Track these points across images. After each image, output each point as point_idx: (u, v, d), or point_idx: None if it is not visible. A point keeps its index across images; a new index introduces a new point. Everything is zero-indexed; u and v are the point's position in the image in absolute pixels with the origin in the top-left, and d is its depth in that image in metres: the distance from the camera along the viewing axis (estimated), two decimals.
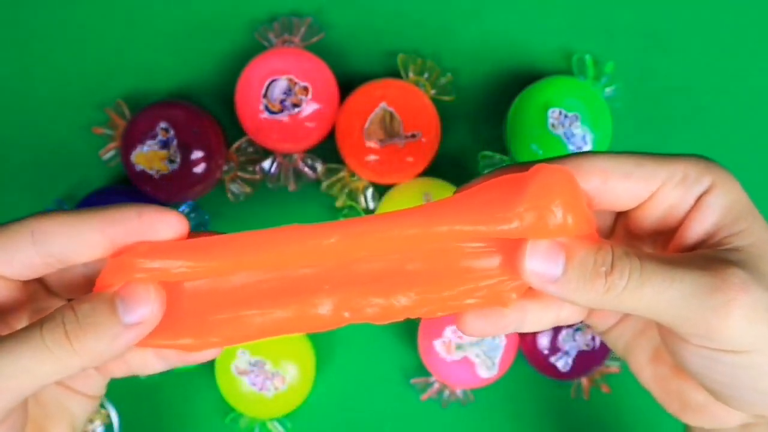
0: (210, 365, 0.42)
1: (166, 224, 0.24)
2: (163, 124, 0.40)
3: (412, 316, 0.24)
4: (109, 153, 0.43)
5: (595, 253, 0.23)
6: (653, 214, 0.25)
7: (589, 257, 0.23)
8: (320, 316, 0.24)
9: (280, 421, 0.42)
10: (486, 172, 0.27)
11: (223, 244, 0.24)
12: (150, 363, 0.27)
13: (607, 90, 0.42)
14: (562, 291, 0.24)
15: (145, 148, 0.40)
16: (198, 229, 0.43)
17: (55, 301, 0.27)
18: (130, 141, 0.40)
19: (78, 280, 0.26)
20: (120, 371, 0.27)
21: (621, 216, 0.27)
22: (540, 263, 0.23)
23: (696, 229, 0.25)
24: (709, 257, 0.24)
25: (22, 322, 0.26)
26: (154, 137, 0.40)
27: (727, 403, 0.25)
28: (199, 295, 0.24)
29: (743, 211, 0.25)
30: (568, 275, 0.23)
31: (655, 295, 0.23)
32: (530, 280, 0.24)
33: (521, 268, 0.24)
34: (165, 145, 0.40)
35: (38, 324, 0.22)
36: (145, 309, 0.23)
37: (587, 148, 0.40)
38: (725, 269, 0.23)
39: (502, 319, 0.25)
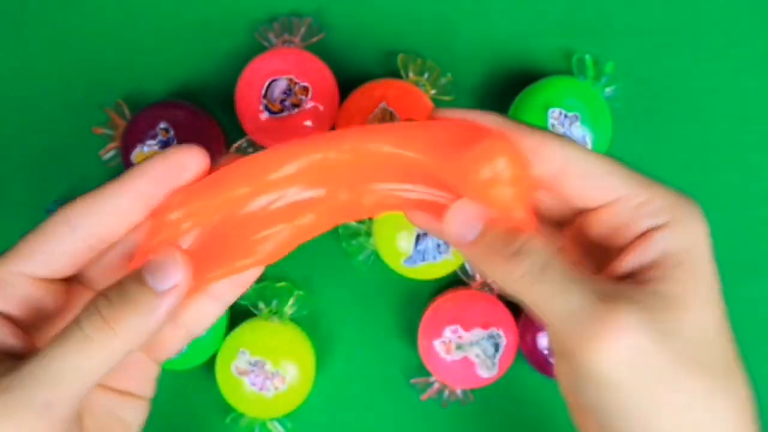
0: (210, 365, 0.42)
1: (191, 160, 0.24)
2: (163, 124, 0.40)
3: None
4: (109, 153, 0.43)
5: (509, 234, 0.24)
6: (603, 226, 0.25)
7: (502, 236, 0.24)
8: (342, 203, 0.26)
9: (280, 421, 0.42)
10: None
11: (241, 171, 0.25)
12: (205, 312, 0.26)
13: (607, 90, 0.42)
14: (470, 256, 0.25)
15: (145, 148, 0.40)
16: None
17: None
18: (130, 141, 0.40)
19: (117, 265, 0.26)
20: (177, 341, 0.27)
21: (581, 214, 0.27)
22: (459, 222, 0.24)
23: (630, 261, 0.24)
24: (619, 288, 0.23)
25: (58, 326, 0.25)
26: (154, 137, 0.40)
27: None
28: (233, 222, 0.25)
29: (688, 262, 0.24)
30: (478, 244, 0.24)
31: (544, 296, 0.23)
32: (447, 234, 0.25)
33: (444, 220, 0.25)
34: (165, 145, 0.40)
35: (75, 320, 0.22)
36: (174, 272, 0.23)
37: (587, 147, 0.40)
38: (619, 307, 0.22)
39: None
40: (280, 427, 0.42)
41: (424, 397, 0.43)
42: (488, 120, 0.25)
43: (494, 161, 0.24)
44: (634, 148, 0.43)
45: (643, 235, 0.24)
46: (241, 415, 0.42)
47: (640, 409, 0.23)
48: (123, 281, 0.23)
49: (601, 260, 0.26)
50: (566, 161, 0.24)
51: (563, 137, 0.25)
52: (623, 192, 0.24)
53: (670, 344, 0.22)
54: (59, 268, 0.24)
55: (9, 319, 0.23)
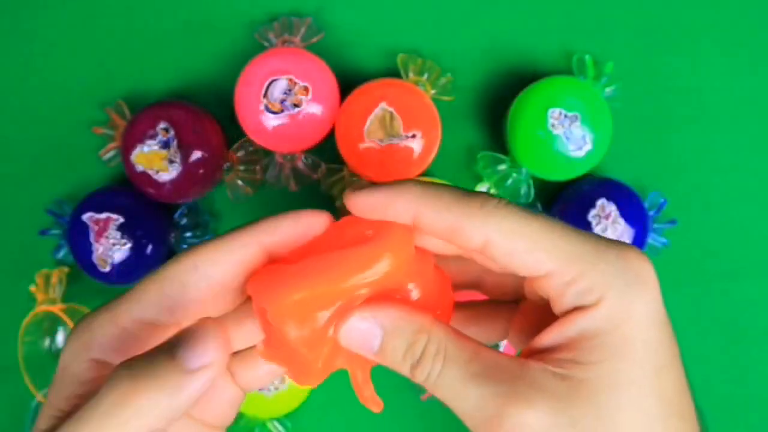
0: None
1: (318, 224, 0.24)
2: (163, 124, 0.40)
3: None
4: (109, 153, 0.43)
5: (407, 346, 0.24)
6: (541, 294, 0.24)
7: (401, 347, 0.24)
8: None
9: (280, 421, 0.42)
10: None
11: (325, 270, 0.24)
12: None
13: (607, 90, 0.42)
14: (380, 362, 0.25)
15: (146, 148, 0.40)
16: (197, 229, 0.43)
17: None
18: (130, 141, 0.40)
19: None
20: (260, 379, 0.28)
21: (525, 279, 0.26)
22: (355, 340, 0.25)
23: (549, 339, 0.23)
24: (525, 376, 0.22)
25: None
26: (154, 137, 0.40)
27: None
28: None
29: (611, 344, 0.22)
30: (383, 354, 0.24)
31: (447, 398, 0.23)
32: (347, 346, 0.25)
33: (339, 334, 0.25)
34: (165, 145, 0.40)
35: (98, 394, 0.21)
36: (208, 349, 0.21)
37: (587, 147, 0.40)
38: (515, 404, 0.22)
39: None
40: (280, 427, 0.42)
41: (424, 397, 0.43)
42: (403, 198, 0.24)
43: (375, 264, 0.24)
44: (634, 148, 0.43)
45: (569, 311, 0.23)
46: (241, 415, 0.42)
47: None
48: (153, 352, 0.21)
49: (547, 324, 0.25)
50: (487, 240, 0.23)
51: (491, 200, 0.23)
52: (549, 268, 0.23)
53: None
54: (180, 313, 0.23)
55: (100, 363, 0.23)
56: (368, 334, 0.24)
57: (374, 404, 0.26)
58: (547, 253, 0.23)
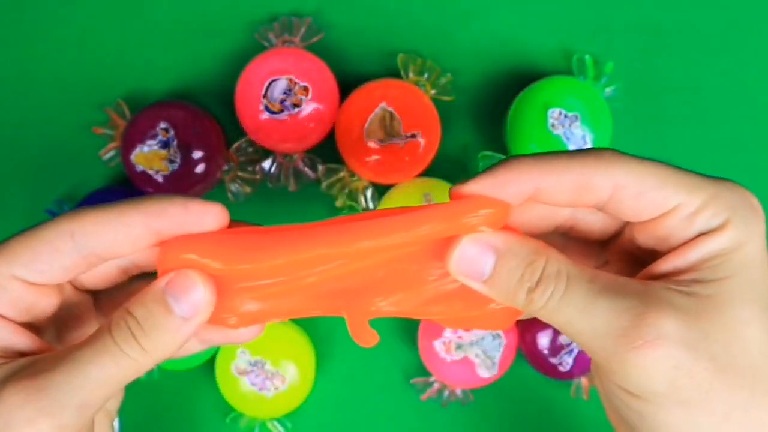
0: (210, 365, 0.42)
1: (211, 216, 0.24)
2: (163, 124, 0.40)
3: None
4: (109, 153, 0.43)
5: (525, 266, 0.23)
6: (652, 235, 0.24)
7: (518, 270, 0.23)
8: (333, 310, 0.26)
9: (280, 421, 0.42)
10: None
11: (259, 247, 0.24)
12: (189, 345, 0.27)
13: (607, 90, 0.42)
14: (488, 291, 0.24)
15: (145, 148, 0.40)
16: None
17: (81, 296, 0.27)
18: (130, 141, 0.40)
19: (112, 272, 0.27)
20: None
21: (628, 225, 0.26)
22: (467, 263, 0.24)
23: (671, 263, 0.24)
24: (651, 293, 0.23)
25: (50, 325, 0.26)
26: (154, 137, 0.40)
27: None
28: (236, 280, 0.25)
29: (733, 262, 0.23)
30: (495, 280, 0.24)
31: (570, 320, 0.23)
32: (455, 274, 0.24)
33: (448, 259, 0.24)
34: (165, 145, 0.40)
35: (107, 332, 0.23)
36: (196, 299, 0.23)
37: (587, 147, 0.40)
38: (649, 315, 0.22)
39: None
40: (280, 427, 0.42)
41: (424, 397, 0.43)
42: (521, 173, 0.24)
43: (477, 211, 0.23)
44: (634, 148, 0.43)
45: (691, 239, 0.23)
46: (241, 415, 0.42)
47: (678, 423, 0.22)
48: (148, 303, 0.23)
49: (644, 266, 0.25)
50: (616, 185, 0.23)
51: (609, 155, 0.24)
52: (677, 201, 0.24)
53: (705, 351, 0.22)
54: (53, 277, 0.24)
55: (7, 319, 0.24)
56: (479, 259, 0.24)
57: (371, 339, 0.26)
58: (674, 187, 0.24)
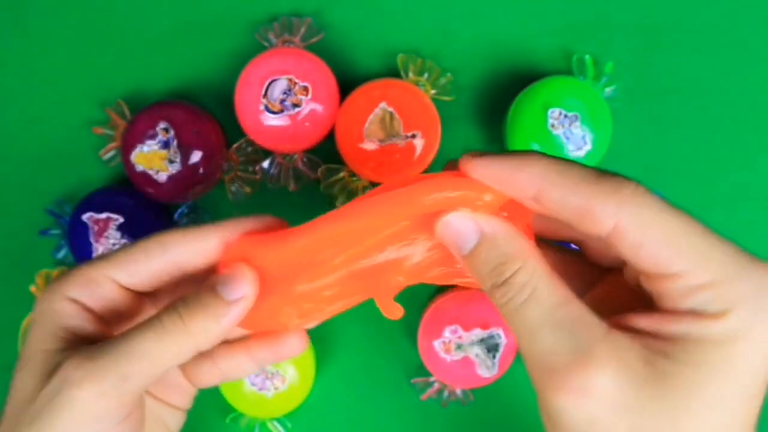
0: None
1: (272, 222, 0.29)
2: (163, 124, 0.40)
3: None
4: (109, 153, 0.43)
5: (497, 263, 0.23)
6: (648, 284, 0.23)
7: (491, 263, 0.23)
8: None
9: (280, 421, 0.42)
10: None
11: (292, 233, 0.28)
12: (242, 365, 0.30)
13: (607, 90, 0.42)
14: (465, 266, 0.24)
15: (145, 148, 0.40)
16: None
17: (151, 306, 0.30)
18: (130, 141, 0.40)
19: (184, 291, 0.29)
20: (212, 378, 0.31)
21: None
22: (454, 232, 0.24)
23: (654, 324, 0.22)
24: (608, 344, 0.21)
25: (120, 324, 0.29)
26: (154, 137, 0.40)
27: None
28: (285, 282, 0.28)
29: (722, 357, 0.21)
30: (470, 260, 0.24)
31: (519, 332, 0.23)
32: (440, 237, 0.25)
33: (438, 224, 0.25)
34: (165, 145, 0.40)
35: (156, 314, 0.25)
36: (242, 285, 0.26)
37: (587, 147, 0.40)
38: (590, 365, 0.21)
39: None
40: (280, 427, 0.42)
41: (424, 397, 0.43)
42: (527, 172, 0.22)
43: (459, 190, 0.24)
44: (634, 148, 0.43)
45: (683, 312, 0.21)
46: (241, 415, 0.42)
47: None
48: (200, 291, 0.26)
49: (634, 303, 0.24)
50: (618, 228, 0.21)
51: (629, 190, 0.21)
52: (681, 269, 0.21)
53: (634, 419, 0.21)
54: (141, 280, 0.27)
55: (93, 313, 0.27)
56: (465, 234, 0.24)
57: (398, 312, 0.28)
58: (682, 252, 0.21)
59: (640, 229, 0.21)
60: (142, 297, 0.29)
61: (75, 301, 0.26)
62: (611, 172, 0.22)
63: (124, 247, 0.27)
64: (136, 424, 0.26)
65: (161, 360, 0.25)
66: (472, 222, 0.24)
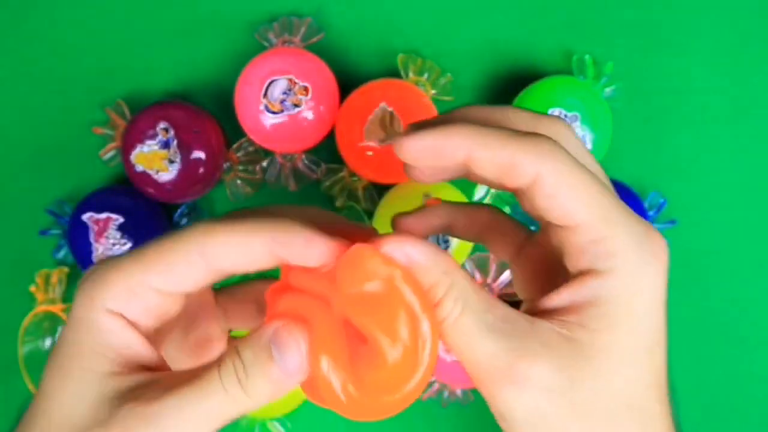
0: None
1: (320, 254, 0.24)
2: (163, 124, 0.40)
3: None
4: (109, 153, 0.43)
5: (433, 285, 0.24)
6: (561, 245, 0.25)
7: (433, 275, 0.24)
8: None
9: (280, 421, 0.42)
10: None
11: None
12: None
13: (607, 90, 0.42)
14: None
15: (145, 148, 0.40)
16: None
17: (204, 294, 0.28)
18: (130, 141, 0.40)
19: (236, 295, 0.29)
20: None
21: (548, 225, 0.26)
22: (397, 246, 0.24)
23: (559, 299, 0.24)
24: (534, 334, 0.23)
25: (177, 326, 0.27)
26: (154, 137, 0.40)
27: None
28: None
29: (617, 314, 0.24)
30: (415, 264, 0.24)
31: (458, 345, 0.24)
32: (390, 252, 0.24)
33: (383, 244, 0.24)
34: (165, 145, 0.40)
35: (216, 371, 0.23)
36: (296, 360, 0.24)
37: (587, 147, 0.40)
38: (525, 358, 0.23)
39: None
40: (280, 427, 0.42)
41: (424, 397, 0.43)
42: (457, 138, 0.24)
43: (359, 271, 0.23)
44: (634, 148, 0.43)
45: (583, 273, 0.24)
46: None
47: None
48: (255, 349, 0.24)
49: (554, 279, 0.26)
50: (537, 178, 0.23)
51: (548, 146, 0.23)
52: (582, 219, 0.23)
53: (566, 398, 0.23)
54: (185, 288, 0.25)
55: (137, 327, 0.25)
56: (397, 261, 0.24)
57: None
58: (587, 205, 0.23)
59: (557, 180, 0.23)
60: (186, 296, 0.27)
61: (117, 315, 0.24)
62: (531, 132, 0.24)
63: (159, 246, 0.24)
64: None
65: (223, 421, 0.24)
66: (402, 251, 0.24)
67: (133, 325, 0.24)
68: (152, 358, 0.25)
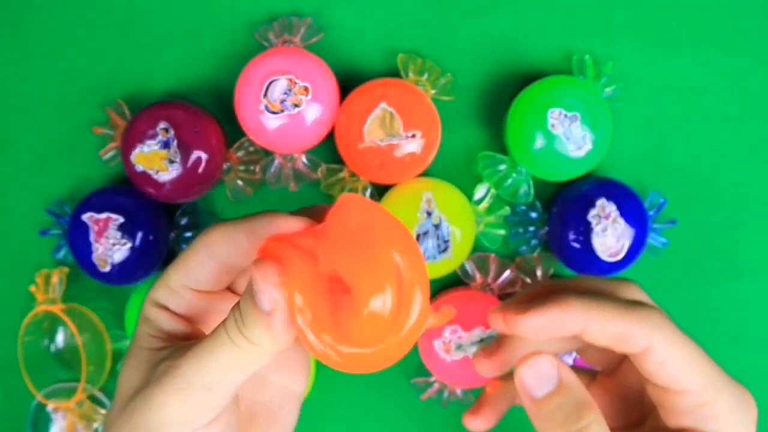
0: None
1: (291, 225, 0.26)
2: (163, 124, 0.40)
3: None
4: (109, 153, 0.43)
5: (574, 410, 0.27)
6: (657, 399, 0.28)
7: (567, 409, 0.27)
8: None
9: None
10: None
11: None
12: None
13: (607, 90, 0.42)
14: (528, 410, 0.28)
15: (145, 148, 0.40)
16: (197, 229, 0.43)
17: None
18: (130, 141, 0.40)
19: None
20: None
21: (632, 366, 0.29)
22: (533, 375, 0.28)
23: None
24: None
25: (212, 318, 0.30)
26: (154, 137, 0.40)
27: None
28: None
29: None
30: (542, 405, 0.28)
31: None
32: (517, 382, 0.28)
33: (519, 367, 0.28)
34: (165, 145, 0.40)
35: (222, 325, 0.26)
36: (268, 293, 0.25)
37: (587, 147, 0.40)
38: None
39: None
40: None
41: (424, 397, 0.43)
42: (571, 315, 0.27)
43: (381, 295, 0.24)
44: (634, 148, 0.43)
45: (686, 431, 0.27)
46: None
47: None
48: (245, 297, 0.26)
49: (631, 408, 0.29)
50: (649, 348, 0.26)
51: (656, 318, 0.27)
52: (688, 385, 0.26)
53: None
54: (208, 285, 0.28)
55: (178, 314, 0.28)
56: (546, 378, 0.27)
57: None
58: (694, 374, 0.27)
59: (666, 350, 0.26)
60: (223, 290, 0.30)
61: (163, 307, 0.28)
62: (637, 302, 0.27)
63: (185, 250, 0.28)
64: (225, 425, 0.27)
65: (240, 370, 0.26)
66: (555, 368, 0.27)
67: (175, 314, 0.28)
68: (189, 332, 0.28)
